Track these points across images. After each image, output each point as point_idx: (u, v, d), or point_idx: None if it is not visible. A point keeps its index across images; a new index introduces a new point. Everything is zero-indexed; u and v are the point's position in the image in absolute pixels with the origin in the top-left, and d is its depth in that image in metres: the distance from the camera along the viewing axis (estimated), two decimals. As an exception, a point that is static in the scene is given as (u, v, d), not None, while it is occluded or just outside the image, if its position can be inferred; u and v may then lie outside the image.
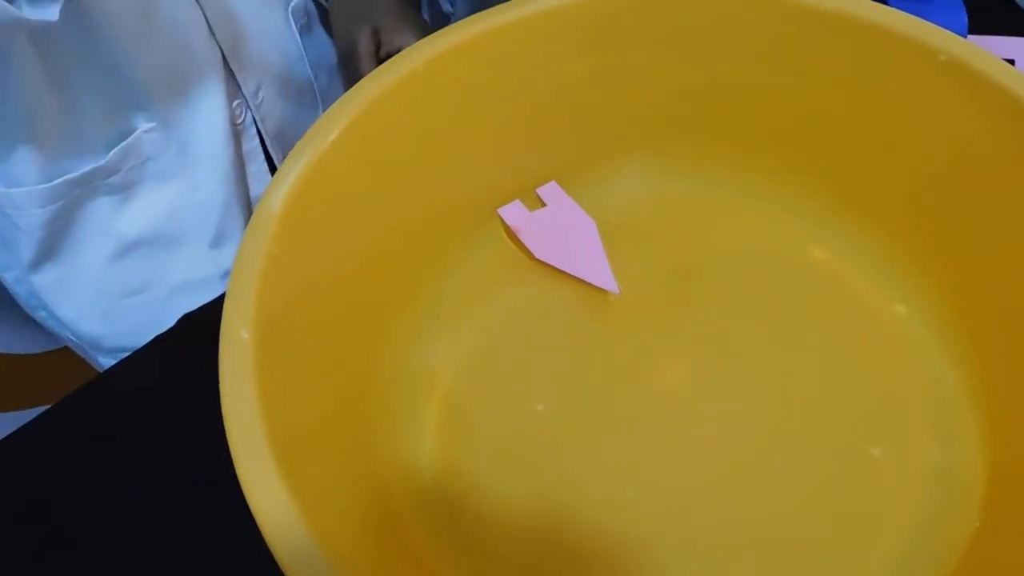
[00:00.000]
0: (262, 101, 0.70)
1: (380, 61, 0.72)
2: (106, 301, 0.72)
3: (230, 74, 0.68)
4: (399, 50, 0.68)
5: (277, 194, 0.47)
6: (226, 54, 0.66)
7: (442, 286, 0.59)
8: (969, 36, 0.69)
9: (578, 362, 0.57)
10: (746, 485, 0.51)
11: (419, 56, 0.53)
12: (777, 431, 0.53)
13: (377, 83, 0.52)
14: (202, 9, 0.63)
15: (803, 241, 0.61)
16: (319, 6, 0.79)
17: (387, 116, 0.52)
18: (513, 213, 0.61)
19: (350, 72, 0.72)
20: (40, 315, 0.77)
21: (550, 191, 0.63)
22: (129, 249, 0.70)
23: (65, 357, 1.18)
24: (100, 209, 0.67)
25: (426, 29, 0.74)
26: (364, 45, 0.72)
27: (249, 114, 0.70)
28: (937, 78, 0.51)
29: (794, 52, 0.56)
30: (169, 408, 0.59)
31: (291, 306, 0.46)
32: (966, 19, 0.66)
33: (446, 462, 0.53)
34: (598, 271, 0.60)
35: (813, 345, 0.56)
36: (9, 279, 0.75)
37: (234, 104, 0.69)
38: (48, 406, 0.60)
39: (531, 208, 0.62)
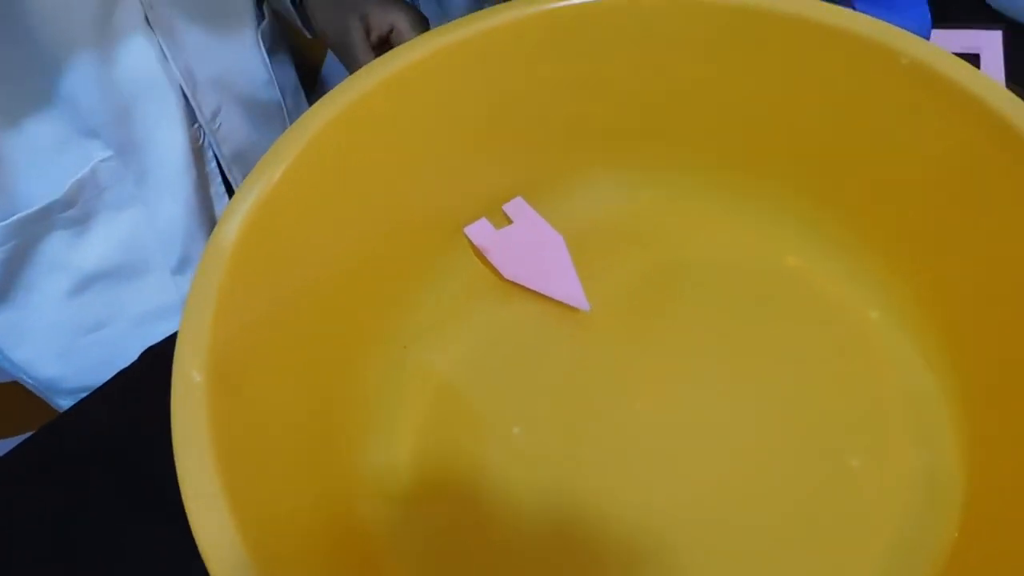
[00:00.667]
0: (220, 125, 0.69)
1: (374, 46, 0.71)
2: (65, 340, 0.70)
3: (186, 98, 0.66)
4: (391, 30, 0.68)
5: (229, 227, 0.46)
6: (182, 79, 0.64)
7: (408, 313, 0.57)
8: (934, 29, 0.68)
9: (552, 383, 0.56)
10: (726, 499, 0.51)
11: (374, 76, 0.52)
12: (756, 444, 0.52)
13: (328, 107, 0.51)
14: (156, 34, 0.62)
15: (776, 248, 0.60)
16: (283, 26, 0.78)
17: (341, 139, 0.51)
18: (479, 232, 0.60)
19: (348, 63, 0.71)
20: None
21: (516, 207, 0.62)
22: (88, 283, 0.68)
23: (18, 388, 1.17)
24: (56, 244, 0.65)
25: (410, 6, 0.73)
26: (355, 34, 0.70)
27: (206, 136, 0.69)
28: (901, 81, 0.50)
29: (757, 58, 0.55)
30: (134, 447, 0.58)
31: (247, 344, 0.45)
32: (929, 14, 0.65)
33: (419, 489, 0.52)
34: (568, 289, 0.59)
35: (789, 354, 0.56)
36: None
37: (193, 127, 0.67)
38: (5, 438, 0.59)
39: (498, 226, 0.61)
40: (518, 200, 0.62)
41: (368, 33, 0.70)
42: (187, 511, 0.38)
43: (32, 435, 0.60)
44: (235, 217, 0.46)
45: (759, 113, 0.58)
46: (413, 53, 0.53)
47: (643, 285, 0.60)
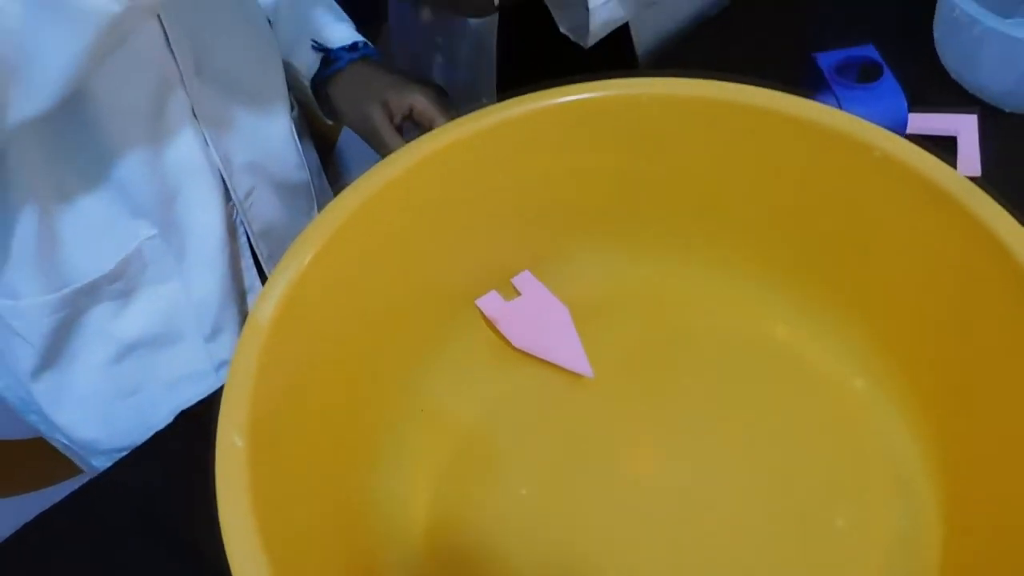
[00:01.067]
0: (252, 204, 0.74)
1: (399, 127, 0.77)
2: (103, 404, 0.74)
3: (224, 181, 0.72)
4: (410, 109, 0.75)
5: (266, 307, 0.51)
6: (221, 164, 0.70)
7: (426, 380, 0.62)
8: (913, 113, 0.73)
9: (557, 446, 0.60)
10: (721, 559, 0.54)
11: (397, 166, 0.58)
12: (747, 506, 0.56)
13: (354, 195, 0.56)
14: (200, 124, 0.67)
15: (767, 320, 0.64)
16: (305, 111, 0.83)
17: (366, 224, 0.56)
18: (490, 304, 0.65)
19: (376, 146, 0.77)
20: (31, 419, 0.79)
21: (524, 280, 0.66)
22: (127, 351, 0.72)
23: (37, 444, 1.20)
24: (101, 315, 0.69)
25: (427, 83, 0.79)
26: (379, 120, 0.76)
27: (238, 215, 0.74)
28: (873, 172, 0.55)
29: (743, 148, 0.60)
30: (170, 509, 0.61)
31: (282, 411, 0.49)
32: (905, 102, 0.71)
33: (435, 545, 0.56)
34: (573, 357, 0.63)
35: (779, 421, 0.60)
36: (1, 386, 0.77)
37: (228, 206, 0.73)
38: (30, 492, 0.62)
39: (507, 298, 0.66)
40: (526, 273, 0.67)
41: (391, 117, 0.76)
42: (232, 567, 0.42)
43: (68, 497, 0.63)
44: (271, 298, 0.51)
45: (748, 198, 0.63)
46: (432, 144, 0.59)
47: (643, 354, 0.64)
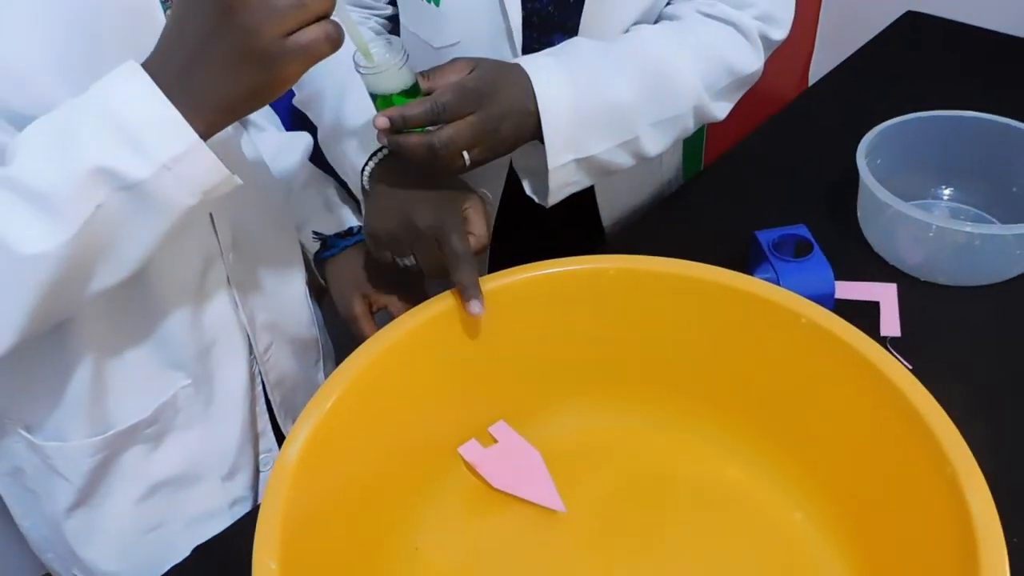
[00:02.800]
0: (269, 358, 0.83)
1: (374, 318, 0.86)
2: (128, 539, 0.79)
3: (248, 338, 0.80)
4: (385, 307, 0.84)
5: (291, 451, 0.60)
6: (247, 323, 0.79)
7: (419, 521, 0.70)
8: (840, 282, 0.84)
9: (539, 571, 0.68)
10: None
11: (394, 333, 0.69)
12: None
13: (361, 358, 0.66)
14: (232, 289, 0.76)
15: (720, 463, 0.74)
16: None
17: (370, 384, 0.66)
18: (471, 451, 0.74)
19: (353, 331, 0.86)
20: (47, 556, 0.83)
21: (500, 429, 0.76)
22: (154, 490, 0.78)
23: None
24: (135, 456, 0.76)
25: (408, 285, 0.88)
26: (359, 308, 0.86)
27: (257, 367, 0.83)
28: (802, 336, 0.67)
29: (694, 315, 0.72)
30: None
31: (305, 538, 0.58)
32: (832, 275, 0.81)
33: None
34: (546, 495, 0.72)
35: (731, 550, 0.68)
36: (27, 525, 0.82)
37: (250, 359, 0.81)
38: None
39: (485, 445, 0.75)
40: (501, 423, 0.76)
41: (370, 307, 0.86)
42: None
43: None
44: (295, 444, 0.61)
45: (699, 358, 0.74)
46: (414, 319, 0.70)
47: (613, 494, 0.73)
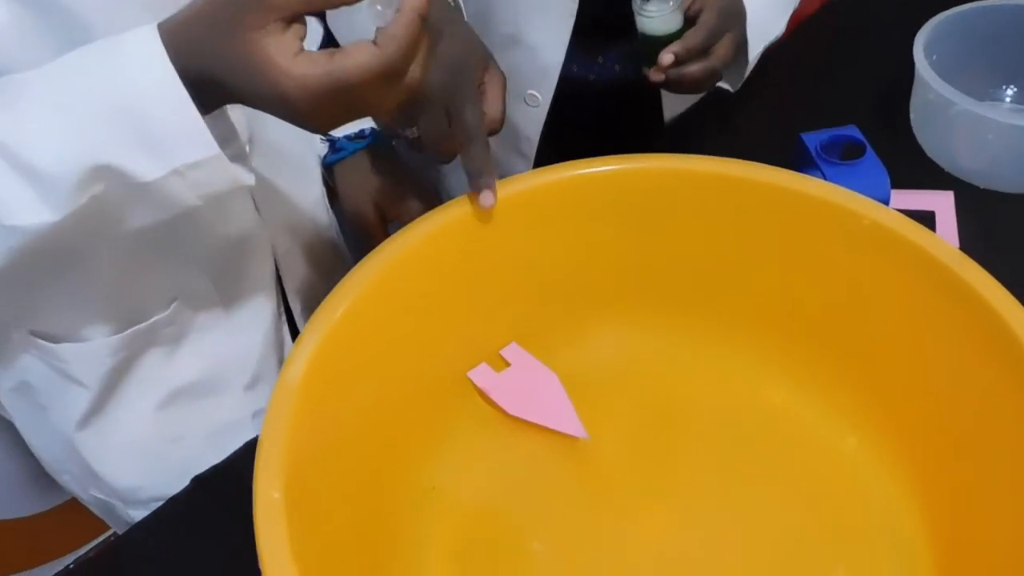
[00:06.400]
0: (288, 262, 0.78)
1: (386, 228, 0.80)
2: (147, 451, 0.76)
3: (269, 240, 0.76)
4: (398, 218, 0.77)
5: (295, 369, 0.54)
6: (266, 224, 0.74)
7: (432, 457, 0.64)
8: (895, 191, 0.77)
9: (564, 505, 0.63)
10: None
11: (402, 242, 0.62)
12: (749, 562, 0.59)
13: (367, 269, 0.60)
14: (250, 190, 0.71)
15: (761, 387, 0.68)
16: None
17: (376, 297, 0.60)
18: (482, 376, 0.68)
19: (364, 242, 0.80)
20: (64, 478, 0.80)
21: (512, 352, 0.69)
22: (173, 397, 0.74)
23: (48, 520, 1.21)
24: (152, 360, 0.72)
25: (424, 192, 0.82)
26: (371, 221, 0.81)
27: (278, 272, 0.78)
28: (863, 240, 0.60)
29: (739, 222, 0.65)
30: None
31: (312, 467, 0.52)
32: (888, 179, 0.75)
33: None
34: (566, 420, 0.66)
35: (778, 480, 0.63)
36: (39, 444, 0.79)
37: (270, 262, 0.76)
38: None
39: (497, 369, 0.68)
40: (513, 345, 0.70)
41: (383, 217, 0.81)
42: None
43: (76, 566, 0.64)
44: (298, 361, 0.54)
45: (744, 268, 0.67)
46: (424, 227, 0.63)
47: (642, 420, 0.67)
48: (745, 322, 0.68)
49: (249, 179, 0.55)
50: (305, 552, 0.47)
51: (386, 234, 0.75)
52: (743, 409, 0.67)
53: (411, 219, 0.73)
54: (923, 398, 0.60)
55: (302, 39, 0.47)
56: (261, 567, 0.46)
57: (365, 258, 0.61)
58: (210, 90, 0.49)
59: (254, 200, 0.72)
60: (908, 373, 0.61)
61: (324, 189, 0.83)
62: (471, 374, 0.68)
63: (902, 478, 0.61)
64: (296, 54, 0.46)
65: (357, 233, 0.83)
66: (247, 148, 0.57)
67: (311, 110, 0.48)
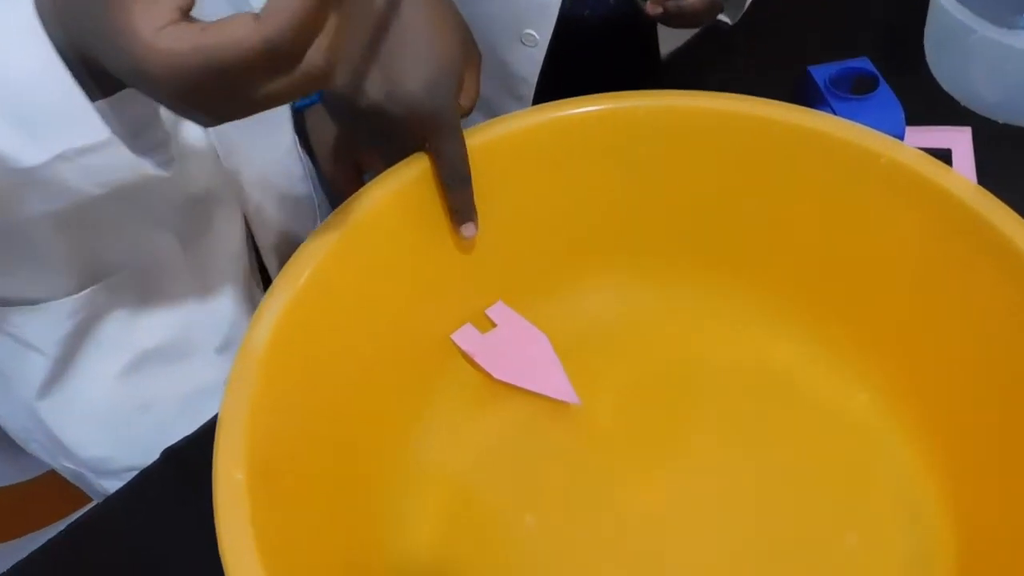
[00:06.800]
0: (261, 219, 0.74)
1: (361, 178, 0.75)
2: (114, 420, 0.72)
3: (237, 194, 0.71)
4: (373, 167, 0.71)
5: (259, 335, 0.49)
6: (232, 177, 0.69)
7: (414, 425, 0.60)
8: (908, 128, 0.72)
9: (557, 476, 0.58)
10: None
11: (378, 192, 0.56)
12: (758, 529, 0.55)
13: (338, 222, 0.54)
14: (212, 137, 0.66)
15: (766, 342, 0.63)
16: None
17: (349, 252, 0.55)
18: (466, 337, 0.63)
19: (338, 194, 0.75)
20: (33, 447, 0.76)
21: (499, 311, 0.65)
22: (140, 362, 0.70)
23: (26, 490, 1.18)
24: (115, 322, 0.68)
25: (401, 141, 0.77)
26: (343, 167, 0.76)
27: (249, 229, 0.74)
28: (879, 179, 0.55)
29: (746, 162, 0.60)
30: (154, 556, 0.59)
31: (279, 443, 0.47)
32: (903, 114, 0.70)
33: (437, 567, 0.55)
34: (556, 384, 0.61)
35: (784, 441, 0.59)
36: (4, 413, 0.75)
37: (240, 219, 0.72)
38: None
39: (483, 330, 0.64)
40: (499, 304, 0.65)
41: (358, 165, 0.75)
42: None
43: (47, 543, 0.61)
44: (261, 327, 0.50)
45: (748, 217, 0.62)
46: (402, 175, 0.57)
47: (635, 382, 0.63)
48: (750, 273, 0.64)
49: (161, 172, 0.48)
50: (272, 540, 0.43)
51: (361, 185, 0.70)
52: (747, 368, 0.63)
53: (388, 166, 0.67)
54: (941, 352, 0.56)
55: (181, 8, 0.39)
56: (221, 558, 0.41)
57: (335, 212, 0.56)
58: (99, 67, 0.42)
59: (218, 151, 0.67)
60: (925, 324, 0.56)
61: (296, 138, 0.78)
62: (454, 336, 0.63)
63: (918, 440, 0.57)
64: (164, 26, 0.38)
65: (331, 184, 0.78)
66: (172, 136, 0.51)
67: (183, 94, 0.39)
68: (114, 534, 0.62)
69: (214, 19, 0.38)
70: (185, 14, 0.38)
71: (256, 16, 0.37)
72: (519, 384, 0.61)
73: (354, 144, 0.76)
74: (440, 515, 0.56)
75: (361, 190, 0.57)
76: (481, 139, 0.58)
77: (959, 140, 0.77)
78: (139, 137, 0.46)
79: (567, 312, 0.65)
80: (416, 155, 0.58)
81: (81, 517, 0.64)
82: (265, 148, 0.72)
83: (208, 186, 0.67)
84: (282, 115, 0.75)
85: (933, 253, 0.55)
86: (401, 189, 0.57)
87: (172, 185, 0.62)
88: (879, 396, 0.59)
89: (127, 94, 0.46)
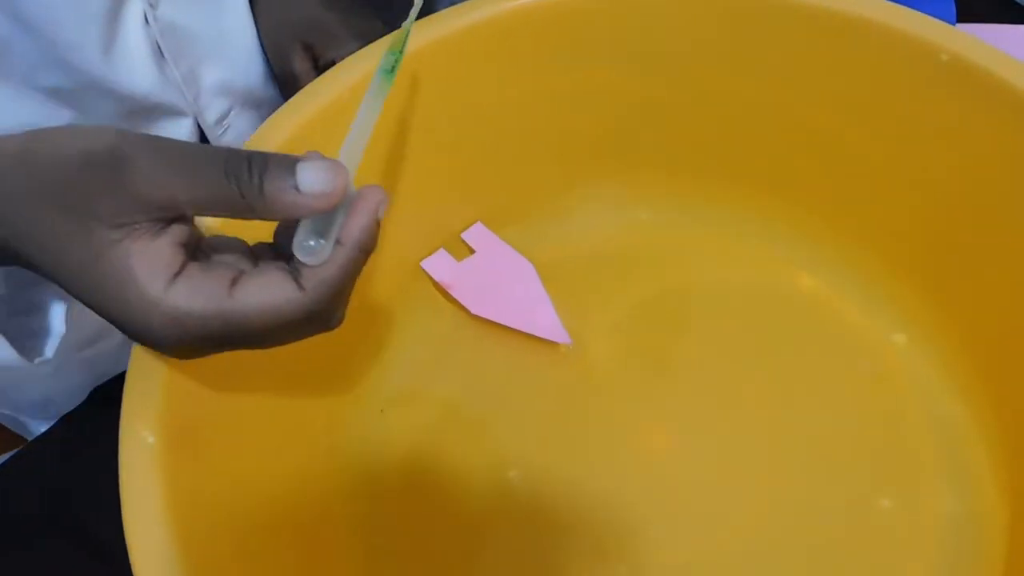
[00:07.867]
0: (227, 129, 0.66)
1: (316, 71, 0.66)
2: (58, 358, 0.64)
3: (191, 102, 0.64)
4: (331, 60, 0.63)
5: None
6: (184, 83, 0.61)
7: (379, 375, 0.53)
8: (957, 25, 0.65)
9: (544, 425, 0.52)
10: (749, 549, 0.48)
11: (332, 88, 0.48)
12: (777, 489, 0.49)
13: (281, 126, 0.47)
14: (155, 33, 0.58)
15: (789, 269, 0.57)
16: None
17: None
18: (439, 265, 0.56)
19: (291, 93, 0.67)
20: None
21: (477, 234, 0.58)
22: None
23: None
24: None
25: (365, 31, 0.68)
26: (299, 64, 0.66)
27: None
28: (939, 79, 0.46)
29: (769, 56, 0.51)
30: (80, 503, 0.55)
31: (206, 403, 0.40)
32: (954, 9, 0.63)
33: (408, 546, 0.48)
34: (544, 322, 0.55)
35: (808, 385, 0.53)
36: None
37: (195, 134, 0.65)
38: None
39: (458, 257, 0.57)
40: (478, 226, 0.58)
41: (315, 62, 0.66)
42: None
43: None
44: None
45: (773, 121, 0.54)
46: (360, 67, 0.49)
47: (636, 315, 0.56)
48: (769, 187, 0.56)
49: (20, 362, 0.44)
50: (192, 522, 0.36)
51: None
52: (765, 300, 0.56)
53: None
54: (1001, 288, 0.48)
55: (184, 245, 0.33)
56: (128, 545, 0.34)
57: (280, 109, 0.47)
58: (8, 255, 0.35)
59: (160, 49, 0.59)
60: (984, 253, 0.49)
61: (256, 31, 0.69)
62: (425, 264, 0.56)
63: (964, 389, 0.51)
64: (173, 277, 0.32)
65: (283, 84, 0.69)
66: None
67: (177, 348, 0.35)
68: (39, 474, 0.58)
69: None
70: (191, 252, 0.34)
71: (295, 282, 0.34)
72: (501, 321, 0.55)
73: (308, 30, 0.67)
74: (409, 470, 0.51)
75: (313, 83, 0.49)
76: (457, 23, 0.49)
77: (1013, 37, 0.69)
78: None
79: (557, 235, 0.58)
80: (376, 44, 0.49)
81: (7, 459, 0.61)
82: (224, 45, 0.64)
83: (148, 91, 0.59)
84: (240, 6, 0.66)
85: (999, 168, 0.47)
86: (361, 83, 0.48)
87: (108, 89, 0.56)
88: (920, 337, 0.53)
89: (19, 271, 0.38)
